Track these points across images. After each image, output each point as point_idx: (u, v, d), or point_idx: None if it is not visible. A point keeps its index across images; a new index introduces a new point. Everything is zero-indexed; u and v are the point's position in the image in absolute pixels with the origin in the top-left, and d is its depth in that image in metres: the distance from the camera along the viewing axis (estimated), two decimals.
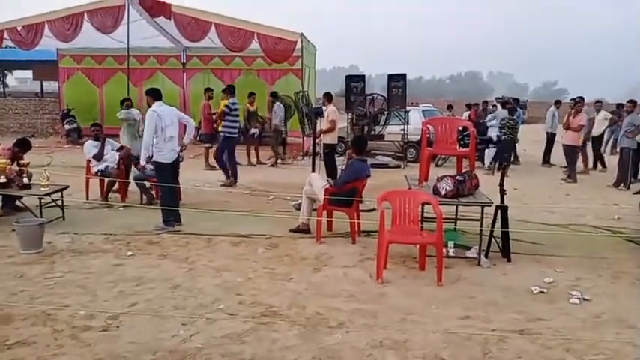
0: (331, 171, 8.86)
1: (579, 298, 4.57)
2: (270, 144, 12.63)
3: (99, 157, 7.95)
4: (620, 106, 12.92)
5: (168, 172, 6.68)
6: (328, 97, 9.34)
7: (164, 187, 6.59)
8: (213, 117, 11.05)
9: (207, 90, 11.84)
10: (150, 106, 6.61)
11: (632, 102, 11.05)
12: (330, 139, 9.12)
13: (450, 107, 16.70)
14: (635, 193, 9.43)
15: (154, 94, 6.71)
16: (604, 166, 12.64)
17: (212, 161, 11.43)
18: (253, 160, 12.29)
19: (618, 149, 11.28)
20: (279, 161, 12.43)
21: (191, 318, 4.01)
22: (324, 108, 9.11)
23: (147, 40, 14.58)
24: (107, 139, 8.24)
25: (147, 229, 6.37)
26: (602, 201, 8.91)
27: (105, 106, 17.07)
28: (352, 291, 4.68)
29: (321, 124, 8.90)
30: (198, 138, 12.77)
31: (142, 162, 6.65)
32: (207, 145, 11.39)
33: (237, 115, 9.94)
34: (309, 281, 4.88)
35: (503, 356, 3.56)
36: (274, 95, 12.87)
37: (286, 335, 3.78)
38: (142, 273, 4.97)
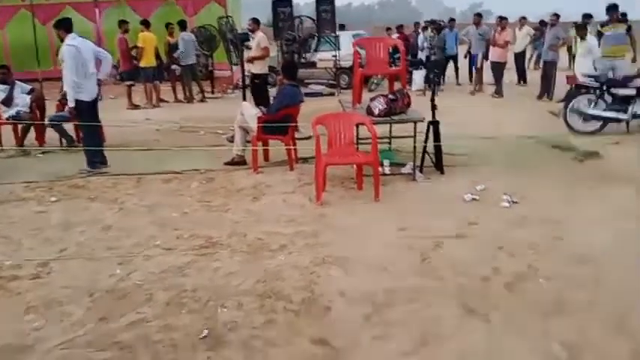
0: (262, 102, 8.54)
1: (509, 202, 4.79)
2: (183, 82, 11.69)
3: (7, 101, 7.29)
4: (542, 23, 13.22)
5: (90, 111, 6.21)
6: (256, 23, 8.85)
7: (86, 127, 6.15)
8: (132, 52, 10.34)
9: (122, 23, 11.00)
10: (62, 41, 6.02)
11: (556, 15, 11.29)
12: (260, 67, 8.62)
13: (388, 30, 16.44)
14: (558, 102, 9.83)
15: (65, 26, 6.07)
16: (525, 81, 13.05)
17: (135, 100, 10.85)
18: (180, 96, 11.73)
19: (541, 63, 11.67)
20: (195, 97, 11.72)
21: (127, 257, 3.85)
22: (251, 35, 8.65)
23: None
24: (16, 81, 7.55)
25: (70, 174, 5.98)
26: (527, 112, 9.27)
27: (9, 49, 15.55)
28: (292, 215, 4.65)
29: (249, 54, 8.48)
30: (118, 77, 11.98)
31: (71, 104, 6.06)
32: (129, 83, 10.72)
33: None
34: (247, 210, 4.80)
35: (440, 260, 3.69)
36: (181, 24, 11.70)
37: (228, 263, 3.72)
38: (70, 218, 4.69)
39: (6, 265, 3.76)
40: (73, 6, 15.64)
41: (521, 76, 13.10)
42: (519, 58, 13.06)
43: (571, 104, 7.71)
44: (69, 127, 7.22)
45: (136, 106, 10.70)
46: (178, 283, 3.43)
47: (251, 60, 8.31)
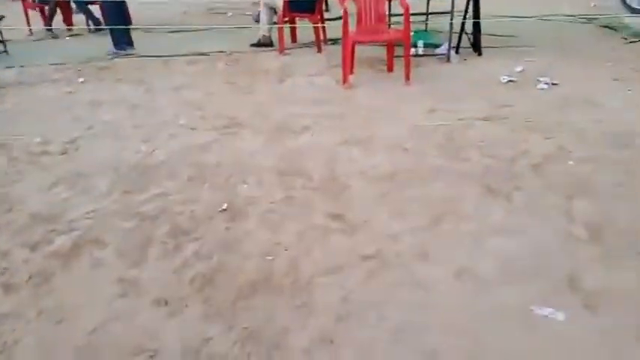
0: None
1: (548, 84, 4.50)
2: None
3: None
4: None
5: None
6: None
7: (111, 7, 5.98)
8: None
9: None
10: None
11: None
12: None
13: None
14: None
15: None
16: None
17: None
18: None
19: None
20: None
21: (152, 135, 3.89)
22: None
23: None
24: None
25: (98, 56, 5.93)
26: None
27: None
28: (318, 97, 4.52)
29: None
30: None
31: None
32: None
33: None
34: (273, 92, 4.70)
35: (466, 141, 3.56)
36: None
37: (251, 142, 3.70)
38: (97, 97, 4.71)
39: (36, 142, 3.86)
40: None
41: None
42: None
43: None
44: (95, 8, 7.06)
45: None
46: (201, 160, 3.46)
47: None
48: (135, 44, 6.21)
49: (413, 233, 2.56)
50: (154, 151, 3.64)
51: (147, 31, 6.75)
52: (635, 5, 6.90)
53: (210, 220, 2.73)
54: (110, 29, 6.10)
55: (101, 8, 6.79)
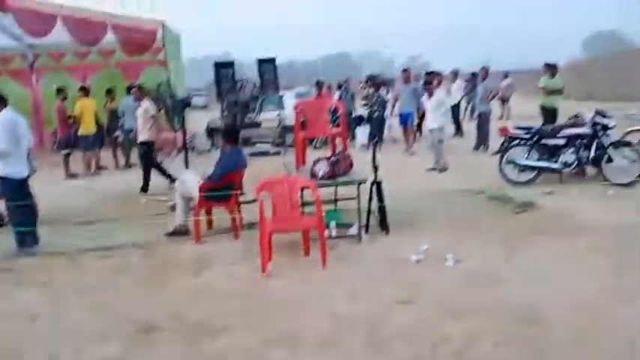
0: (149, 170, 8.49)
1: (453, 261, 4.81)
2: (124, 147, 11.47)
3: None
4: (473, 74, 13.95)
5: (20, 190, 5.88)
6: (142, 90, 8.91)
7: (16, 205, 5.80)
8: (70, 120, 10.07)
9: (60, 90, 10.75)
10: None
11: (485, 69, 11.98)
12: (147, 135, 8.55)
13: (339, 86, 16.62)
14: (493, 154, 10.25)
15: (1, 100, 5.85)
16: (461, 133, 13.58)
17: (74, 169, 10.50)
18: (121, 162, 11.44)
19: (476, 114, 12.22)
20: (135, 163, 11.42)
21: (57, 350, 3.55)
22: (138, 103, 8.71)
23: None
24: None
25: None
26: (466, 164, 9.58)
27: None
28: (237, 290, 4.48)
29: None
30: (56, 145, 11.59)
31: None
32: (66, 152, 10.37)
33: None
34: (189, 287, 4.59)
35: (388, 330, 3.60)
36: (128, 89, 11.53)
37: (167, 350, 3.49)
38: None
39: None
40: (8, 74, 15.26)
41: (458, 128, 13.65)
42: (454, 110, 13.63)
43: (505, 156, 8.04)
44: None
45: (74, 176, 10.32)
46: None
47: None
48: (42, 240, 5.96)
49: None
50: None
51: (55, 224, 6.55)
52: (514, 178, 7.90)
53: None
54: (14, 226, 5.85)
55: (6, 204, 6.58)
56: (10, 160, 5.71)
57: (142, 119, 8.57)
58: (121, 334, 3.75)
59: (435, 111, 9.53)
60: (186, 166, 7.11)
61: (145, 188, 8.43)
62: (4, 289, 4.74)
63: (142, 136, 8.61)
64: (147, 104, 8.62)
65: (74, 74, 15.28)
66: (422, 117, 12.04)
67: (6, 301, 4.46)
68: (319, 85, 13.80)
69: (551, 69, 10.44)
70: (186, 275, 4.88)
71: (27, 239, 5.78)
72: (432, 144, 9.72)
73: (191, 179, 6.11)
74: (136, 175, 8.76)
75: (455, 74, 14.41)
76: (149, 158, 8.65)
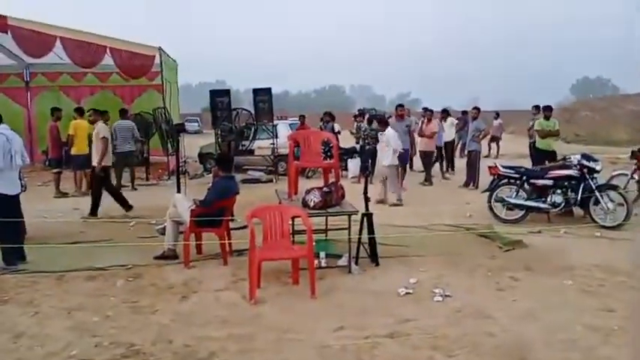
0: (96, 201, 8.29)
1: (442, 296, 4.84)
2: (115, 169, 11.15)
3: None
4: (464, 112, 14.17)
5: (11, 205, 5.86)
6: (97, 113, 9.01)
7: (4, 222, 5.76)
8: (65, 140, 10.09)
9: (55, 110, 10.80)
10: None
11: (477, 109, 12.21)
12: (99, 159, 8.40)
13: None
14: (483, 192, 10.39)
15: None
16: (453, 168, 13.76)
17: (63, 188, 10.45)
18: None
19: (466, 152, 12.41)
20: (127, 185, 11.34)
21: None
22: (94, 125, 8.73)
23: None
24: None
25: None
26: (455, 201, 9.68)
27: None
28: (224, 316, 4.45)
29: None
30: (47, 163, 11.56)
31: None
32: (57, 171, 10.33)
33: None
34: (176, 311, 4.55)
35: None
36: (121, 112, 11.78)
37: None
38: None
39: None
40: (2, 91, 15.31)
41: (450, 164, 13.77)
42: (448, 146, 13.77)
43: (494, 194, 8.16)
44: None
45: (64, 194, 10.26)
46: None
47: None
48: (28, 258, 5.90)
49: None
50: None
51: (43, 242, 6.48)
52: (503, 216, 8.01)
53: None
54: (1, 242, 5.80)
55: None
56: (2, 176, 5.72)
57: (95, 142, 8.51)
58: (105, 358, 3.70)
59: (384, 149, 9.59)
60: (178, 190, 7.11)
61: (93, 212, 8.22)
62: None
63: (95, 160, 8.47)
64: (100, 127, 8.63)
65: (70, 94, 15.37)
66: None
67: None
68: (301, 118, 15.11)
69: (546, 111, 10.45)
70: (173, 299, 4.84)
71: (13, 256, 5.73)
72: (385, 180, 9.72)
73: (182, 203, 6.12)
74: (128, 196, 8.71)
75: (447, 112, 14.61)
76: (101, 183, 8.47)
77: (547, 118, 10.33)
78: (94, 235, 7.08)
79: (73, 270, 5.61)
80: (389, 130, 9.66)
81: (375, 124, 12.34)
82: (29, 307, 4.65)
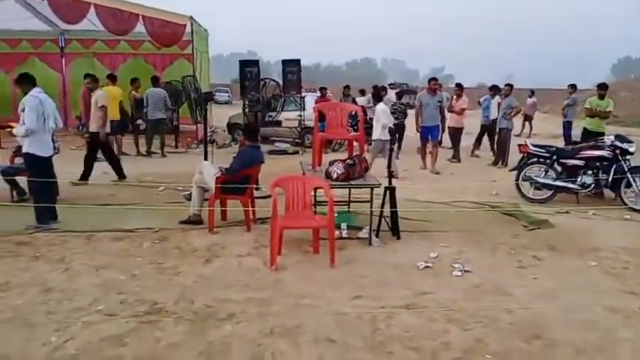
0: (89, 166, 8.37)
1: (461, 271, 4.83)
2: (147, 135, 11.64)
3: None
4: (495, 87, 13.31)
5: (44, 167, 6.07)
6: (95, 80, 8.95)
7: (38, 182, 5.98)
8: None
9: (88, 76, 10.97)
10: (26, 94, 5.95)
11: (510, 86, 11.89)
12: (96, 126, 8.48)
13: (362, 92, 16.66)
14: (511, 170, 10.20)
15: (29, 80, 6.02)
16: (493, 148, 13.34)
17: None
18: (143, 149, 11.63)
19: (497, 130, 12.13)
20: (156, 152, 11.62)
21: (65, 323, 3.66)
22: (92, 94, 8.74)
23: (17, 21, 13.21)
24: None
25: (17, 230, 5.74)
26: (482, 178, 9.55)
27: None
28: (245, 280, 4.56)
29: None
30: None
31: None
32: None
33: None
34: (199, 274, 4.68)
35: (390, 332, 3.64)
36: (153, 80, 11.95)
37: (171, 333, 3.57)
38: (10, 277, 4.46)
39: None
40: (38, 56, 15.65)
41: (492, 142, 12.96)
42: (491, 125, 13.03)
43: (523, 172, 8.01)
44: (23, 179, 7.01)
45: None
46: (115, 355, 3.26)
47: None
48: (59, 217, 6.13)
49: None
50: (65, 342, 3.41)
51: (74, 203, 6.71)
52: (530, 195, 7.88)
53: None
54: (34, 201, 6.03)
55: (28, 180, 6.77)
56: (36, 138, 5.91)
57: (93, 109, 8.59)
58: (129, 313, 3.85)
59: (376, 123, 9.39)
60: (205, 158, 7.21)
61: (85, 177, 8.31)
62: (22, 262, 4.87)
63: (92, 127, 8.58)
64: (98, 94, 8.68)
65: (103, 61, 15.62)
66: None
67: (22, 273, 4.59)
68: (323, 90, 14.51)
69: (600, 89, 9.43)
70: (197, 262, 4.97)
71: (46, 215, 5.95)
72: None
73: (209, 170, 6.22)
74: (157, 163, 8.88)
75: (497, 88, 13.52)
76: (94, 149, 8.58)
77: (602, 97, 9.32)
78: (124, 198, 7.28)
79: (102, 230, 5.80)
80: (379, 106, 9.52)
81: (404, 99, 12.19)
82: (60, 263, 4.85)
